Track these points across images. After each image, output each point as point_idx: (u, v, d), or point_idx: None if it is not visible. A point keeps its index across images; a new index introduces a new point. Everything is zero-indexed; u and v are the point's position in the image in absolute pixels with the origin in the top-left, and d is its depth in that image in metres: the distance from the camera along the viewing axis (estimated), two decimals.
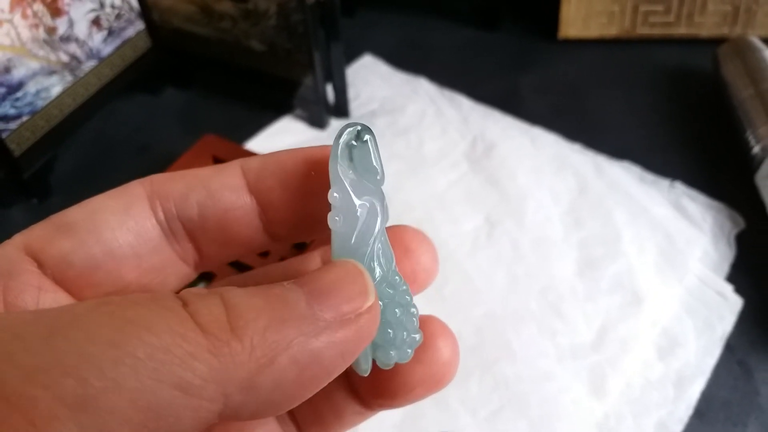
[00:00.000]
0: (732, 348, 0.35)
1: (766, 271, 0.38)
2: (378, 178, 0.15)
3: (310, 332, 0.12)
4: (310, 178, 0.16)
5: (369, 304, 0.13)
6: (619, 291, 0.37)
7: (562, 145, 0.46)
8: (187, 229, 0.16)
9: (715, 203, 0.41)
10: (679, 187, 0.42)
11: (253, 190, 0.16)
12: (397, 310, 0.15)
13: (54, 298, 0.14)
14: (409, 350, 0.15)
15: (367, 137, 0.15)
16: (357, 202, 0.15)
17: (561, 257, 0.39)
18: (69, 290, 0.15)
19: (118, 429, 0.10)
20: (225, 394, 0.11)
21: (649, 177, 0.43)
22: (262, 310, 0.12)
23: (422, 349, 0.16)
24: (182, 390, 0.11)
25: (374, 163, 0.15)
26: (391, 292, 0.15)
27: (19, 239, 0.14)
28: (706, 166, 0.44)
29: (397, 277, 0.15)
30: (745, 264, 0.38)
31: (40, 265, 0.14)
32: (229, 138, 0.44)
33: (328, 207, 0.15)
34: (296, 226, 0.16)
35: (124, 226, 0.15)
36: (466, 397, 0.33)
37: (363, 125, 0.15)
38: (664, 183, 0.43)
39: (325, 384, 0.13)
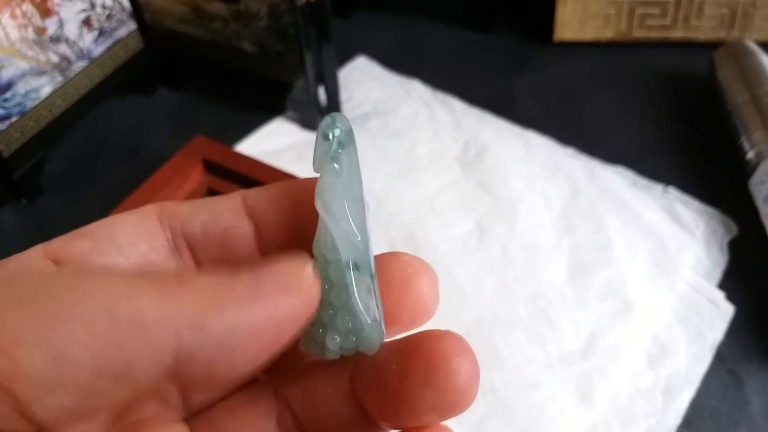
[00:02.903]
0: (722, 356, 0.34)
1: (758, 278, 0.38)
2: (336, 166, 0.16)
3: (255, 294, 0.13)
4: (302, 202, 0.17)
5: (309, 277, 0.15)
6: (609, 298, 0.37)
7: (555, 150, 0.45)
8: (190, 246, 0.17)
9: (708, 209, 0.41)
10: (673, 193, 0.42)
11: (250, 213, 0.17)
12: (343, 293, 0.15)
13: None
14: (352, 337, 0.15)
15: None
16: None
17: (551, 263, 0.38)
18: None
19: (78, 354, 0.11)
20: (176, 331, 0.12)
21: (643, 182, 0.43)
22: (210, 273, 0.14)
23: (432, 372, 0.14)
24: (135, 325, 0.12)
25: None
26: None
27: (39, 246, 0.15)
28: (700, 171, 0.44)
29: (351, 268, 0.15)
30: (738, 271, 0.38)
31: (57, 264, 0.15)
32: (221, 139, 0.43)
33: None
34: (286, 248, 0.17)
35: (138, 235, 0.16)
36: None
37: (329, 120, 0.16)
38: (658, 188, 0.42)
39: (277, 345, 0.14)
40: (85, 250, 0.15)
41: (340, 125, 0.16)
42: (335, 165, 0.16)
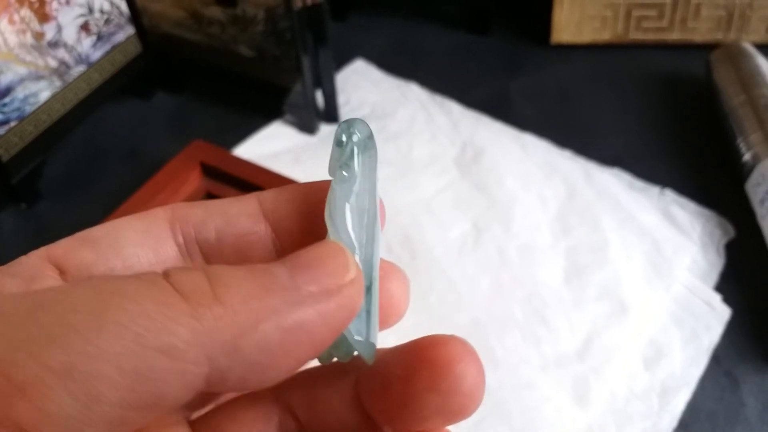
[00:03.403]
0: (719, 359, 0.34)
1: (755, 280, 0.38)
2: (345, 174, 0.16)
3: (293, 301, 0.13)
4: (320, 207, 0.16)
5: (351, 277, 0.14)
6: (605, 299, 0.37)
7: (552, 152, 0.45)
8: (204, 252, 0.16)
9: (705, 211, 0.41)
10: (669, 195, 0.42)
11: (269, 217, 0.16)
12: None
13: None
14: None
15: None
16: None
17: (548, 264, 0.39)
18: None
19: (107, 393, 0.11)
20: (209, 357, 0.11)
21: (639, 184, 0.43)
22: (245, 280, 0.13)
23: (437, 377, 0.14)
24: (166, 354, 0.11)
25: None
26: None
27: (43, 249, 0.15)
28: (697, 173, 0.44)
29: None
30: (735, 273, 0.38)
31: (62, 273, 0.15)
32: (219, 143, 0.44)
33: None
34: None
35: (144, 244, 0.15)
36: None
37: (344, 125, 0.16)
38: (654, 190, 0.42)
39: (313, 354, 0.13)
40: (90, 260, 0.15)
41: (356, 131, 0.16)
42: (343, 173, 0.15)
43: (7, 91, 0.40)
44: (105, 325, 0.11)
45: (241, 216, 0.16)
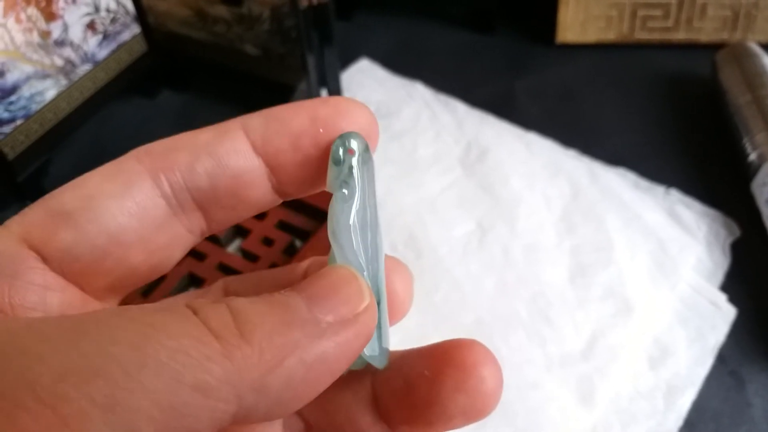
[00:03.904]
0: (724, 358, 0.34)
1: (760, 280, 0.38)
2: (345, 192, 0.15)
3: (313, 334, 0.13)
4: (318, 135, 0.15)
5: (365, 304, 0.14)
6: (610, 299, 0.37)
7: (557, 151, 0.45)
8: (196, 199, 0.15)
9: (710, 211, 0.41)
10: (675, 194, 0.42)
11: (261, 152, 0.15)
12: None
13: (61, 298, 0.14)
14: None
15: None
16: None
17: (552, 264, 0.39)
18: (77, 282, 0.15)
19: (144, 428, 0.11)
20: (238, 395, 0.12)
21: (644, 184, 0.43)
22: (266, 315, 0.13)
23: (464, 378, 0.15)
24: (200, 391, 0.11)
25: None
26: None
27: (16, 230, 0.14)
28: (702, 173, 0.44)
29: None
30: (740, 273, 0.38)
31: (45, 260, 0.14)
32: None
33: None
34: (306, 183, 0.16)
35: (126, 212, 0.14)
36: None
37: (338, 142, 0.15)
38: (659, 190, 0.42)
39: (331, 382, 0.13)
40: (71, 243, 0.14)
41: (353, 146, 0.15)
42: (344, 191, 0.15)
43: (14, 89, 0.40)
44: (145, 360, 0.11)
45: (231, 154, 0.15)
